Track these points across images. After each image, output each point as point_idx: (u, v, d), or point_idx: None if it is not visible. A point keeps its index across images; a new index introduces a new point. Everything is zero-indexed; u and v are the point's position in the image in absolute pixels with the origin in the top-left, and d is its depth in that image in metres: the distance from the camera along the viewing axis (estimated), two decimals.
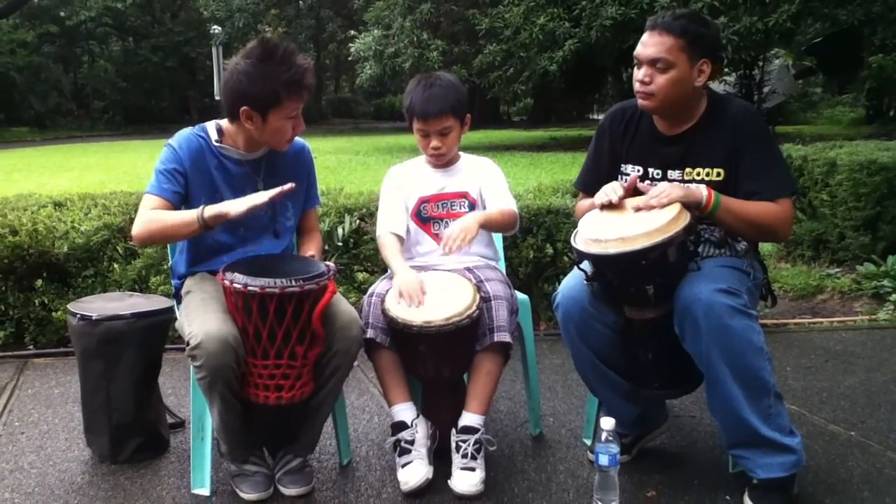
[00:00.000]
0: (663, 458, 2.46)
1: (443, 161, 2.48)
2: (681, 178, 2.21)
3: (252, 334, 2.03)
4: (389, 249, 2.44)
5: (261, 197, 2.06)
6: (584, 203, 2.42)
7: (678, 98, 2.16)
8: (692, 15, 2.18)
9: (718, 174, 2.18)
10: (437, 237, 2.48)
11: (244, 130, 2.21)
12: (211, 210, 2.10)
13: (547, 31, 12.95)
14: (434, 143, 2.42)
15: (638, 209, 2.08)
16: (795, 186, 2.34)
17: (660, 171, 2.25)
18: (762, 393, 2.04)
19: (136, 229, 2.18)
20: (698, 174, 2.19)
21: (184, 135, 2.25)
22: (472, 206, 2.48)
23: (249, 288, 1.98)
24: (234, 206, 2.08)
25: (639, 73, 2.18)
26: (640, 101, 2.21)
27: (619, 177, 2.33)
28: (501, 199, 2.48)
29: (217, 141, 2.25)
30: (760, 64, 15.64)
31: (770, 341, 2.13)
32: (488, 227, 2.44)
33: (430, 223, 2.49)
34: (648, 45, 2.15)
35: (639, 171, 2.28)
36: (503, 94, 15.28)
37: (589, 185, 2.39)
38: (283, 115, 2.15)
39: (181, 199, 2.22)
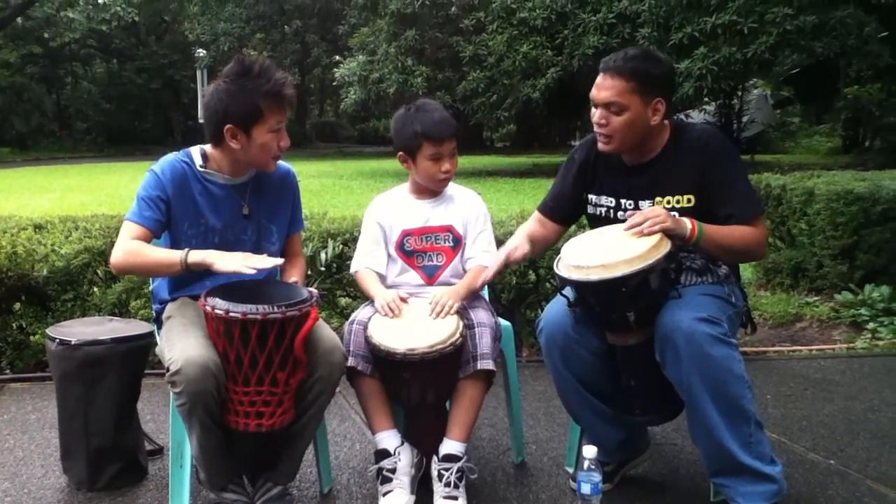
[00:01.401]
0: (645, 486, 2.46)
1: (446, 185, 2.48)
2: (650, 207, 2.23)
3: (233, 360, 2.01)
4: (368, 280, 2.46)
5: (249, 269, 2.02)
6: (522, 227, 2.50)
7: (636, 137, 2.21)
8: (643, 55, 2.20)
9: (689, 200, 2.21)
10: (420, 270, 2.48)
11: (229, 153, 2.21)
12: (195, 256, 2.09)
13: (530, 59, 13.12)
14: (446, 165, 2.42)
15: (632, 227, 2.09)
16: (762, 204, 2.38)
17: (632, 202, 2.28)
18: (742, 421, 2.05)
19: (116, 258, 2.16)
20: (668, 202, 2.22)
21: (167, 160, 2.24)
22: (457, 241, 2.48)
23: (231, 314, 1.97)
24: (221, 262, 2.05)
25: (595, 115, 2.22)
26: (600, 145, 2.26)
27: (588, 207, 2.38)
28: (483, 254, 2.46)
29: (202, 166, 2.24)
30: (739, 94, 15.93)
31: (750, 369, 2.15)
32: (470, 296, 2.41)
33: (414, 256, 2.48)
34: (601, 88, 2.19)
35: (612, 202, 2.32)
36: (486, 120, 15.42)
37: (551, 210, 2.46)
38: (266, 129, 2.15)
39: (162, 228, 2.22)
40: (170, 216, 2.21)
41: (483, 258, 2.45)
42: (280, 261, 2.15)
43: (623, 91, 2.15)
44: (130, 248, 2.14)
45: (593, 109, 2.23)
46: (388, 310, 2.30)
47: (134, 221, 2.18)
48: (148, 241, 2.18)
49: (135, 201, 2.21)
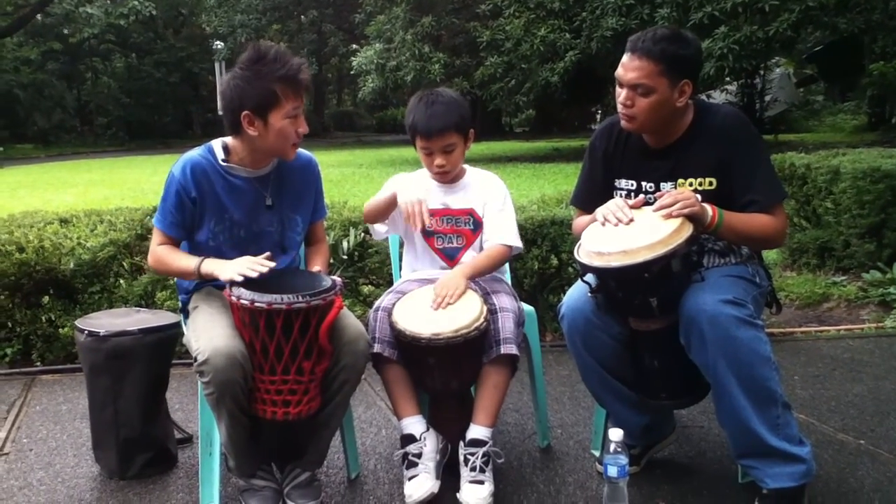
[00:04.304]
0: (672, 468, 2.46)
1: (447, 178, 2.49)
2: (674, 189, 2.20)
3: (259, 350, 2.03)
4: (379, 193, 2.43)
5: (252, 271, 2.05)
6: (581, 220, 2.41)
7: (660, 119, 2.17)
8: (672, 36, 2.13)
9: (711, 183, 2.18)
10: (440, 252, 2.48)
11: (249, 142, 2.21)
12: (207, 267, 2.15)
13: (548, 43, 13.01)
14: (438, 160, 2.42)
15: (661, 208, 2.05)
16: (785, 190, 2.34)
17: (653, 185, 2.25)
18: (770, 403, 2.03)
19: (150, 261, 2.32)
20: (690, 184, 2.19)
21: (189, 159, 2.24)
22: (477, 224, 2.48)
23: (256, 304, 1.99)
24: (221, 272, 2.09)
25: (620, 96, 2.18)
26: (622, 123, 2.22)
27: (615, 192, 2.34)
28: (498, 232, 2.44)
29: (224, 160, 2.24)
30: (762, 73, 15.70)
31: (777, 350, 2.13)
32: (476, 275, 2.39)
33: (434, 238, 2.49)
34: (629, 69, 2.14)
35: (632, 185, 2.29)
36: (505, 105, 15.33)
37: (585, 202, 2.41)
38: (283, 115, 2.14)
39: (185, 232, 2.27)
40: (195, 215, 2.24)
41: (501, 238, 2.44)
42: (272, 264, 2.10)
43: (651, 73, 2.10)
44: (157, 255, 2.27)
45: (618, 89, 2.19)
46: (413, 213, 2.24)
47: (159, 228, 2.26)
48: (175, 245, 2.27)
49: (160, 204, 2.26)
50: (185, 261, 2.21)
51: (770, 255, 5.04)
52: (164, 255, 2.24)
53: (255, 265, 2.07)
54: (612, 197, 2.35)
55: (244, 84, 2.13)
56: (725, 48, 11.15)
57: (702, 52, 2.24)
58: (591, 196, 2.38)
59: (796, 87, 19.11)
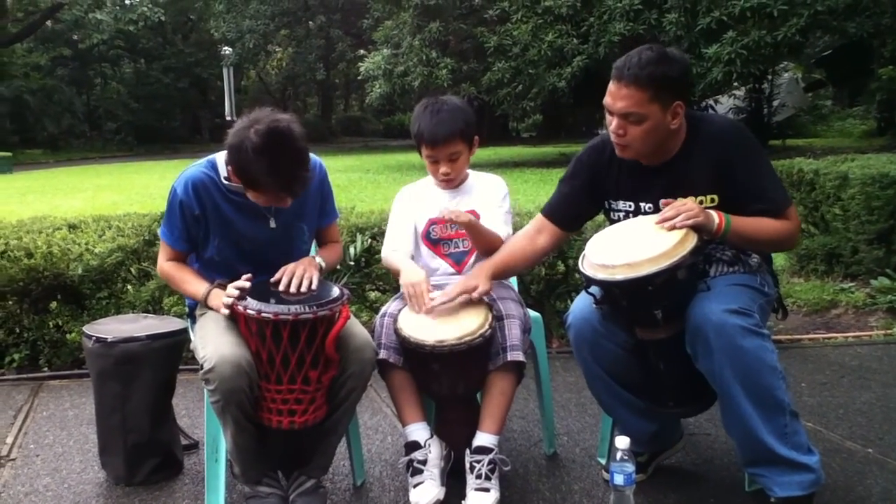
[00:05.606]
0: (679, 476, 2.45)
1: (452, 186, 2.50)
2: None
3: (265, 359, 2.04)
4: (397, 258, 2.47)
5: (229, 299, 2.07)
6: (513, 239, 2.41)
7: (655, 144, 2.12)
8: (658, 58, 2.04)
9: (713, 200, 2.13)
10: (447, 258, 2.49)
11: None
12: (212, 301, 2.18)
13: (555, 48, 13.03)
14: (444, 168, 2.43)
15: (663, 221, 2.03)
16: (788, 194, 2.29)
17: (651, 205, 2.20)
18: (777, 412, 2.02)
19: (159, 270, 2.37)
20: None
21: (191, 176, 2.21)
22: None
23: (263, 314, 1.99)
24: (221, 311, 2.11)
25: (612, 124, 2.10)
26: (617, 152, 2.17)
27: (611, 213, 2.31)
28: (493, 224, 2.44)
29: (226, 178, 2.22)
30: (770, 78, 15.67)
31: (784, 357, 2.12)
32: (477, 234, 2.39)
33: (440, 245, 2.50)
34: (617, 98, 2.06)
35: (630, 206, 2.25)
36: (512, 110, 15.34)
37: (557, 215, 2.37)
38: (260, 197, 2.11)
39: (192, 245, 2.29)
40: (199, 229, 2.25)
41: (498, 228, 2.44)
42: (245, 284, 2.10)
43: (641, 101, 2.02)
44: (165, 272, 2.33)
45: (608, 117, 2.12)
46: (416, 300, 2.28)
47: (166, 242, 2.29)
48: (182, 260, 2.32)
49: (164, 217, 2.28)
50: (193, 286, 2.26)
51: (777, 262, 5.02)
52: (172, 274, 2.30)
53: (230, 291, 2.09)
54: (591, 215, 2.38)
55: (233, 149, 2.04)
56: (733, 53, 11.16)
57: (689, 68, 2.18)
58: (564, 211, 2.35)
59: (804, 91, 19.07)
